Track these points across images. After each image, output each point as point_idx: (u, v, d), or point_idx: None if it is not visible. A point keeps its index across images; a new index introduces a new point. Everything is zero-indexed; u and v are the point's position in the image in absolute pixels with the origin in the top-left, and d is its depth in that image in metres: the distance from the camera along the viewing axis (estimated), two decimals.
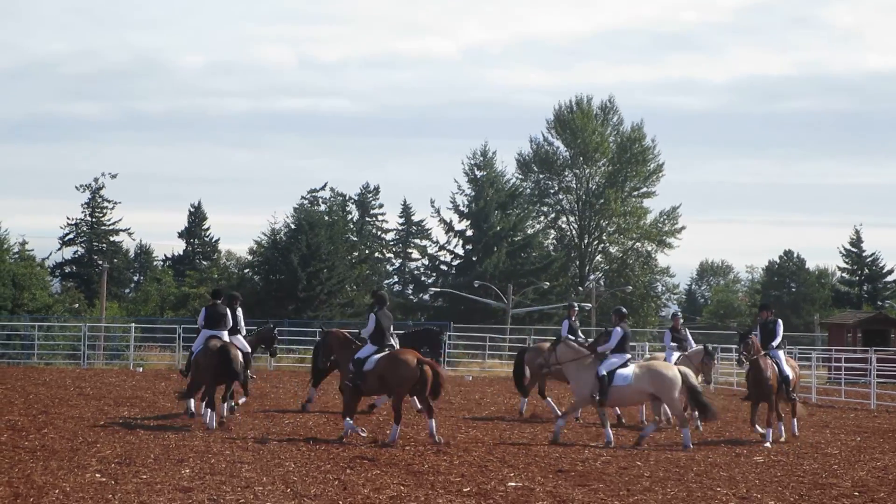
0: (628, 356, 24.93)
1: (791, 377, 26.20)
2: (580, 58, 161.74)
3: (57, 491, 16.64)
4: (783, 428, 25.85)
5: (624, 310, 25.66)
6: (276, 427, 25.82)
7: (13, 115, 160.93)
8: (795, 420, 26.45)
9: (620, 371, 24.47)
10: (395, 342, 25.71)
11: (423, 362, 23.75)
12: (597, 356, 24.79)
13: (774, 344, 25.92)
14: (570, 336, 29.16)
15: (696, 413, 26.45)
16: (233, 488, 17.26)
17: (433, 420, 23.88)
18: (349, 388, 24.26)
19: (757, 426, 25.82)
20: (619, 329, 24.69)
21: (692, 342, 30.62)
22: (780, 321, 26.29)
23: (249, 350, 28.69)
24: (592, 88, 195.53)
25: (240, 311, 28.59)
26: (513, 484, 18.53)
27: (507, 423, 28.11)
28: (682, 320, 31.06)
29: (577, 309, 32.54)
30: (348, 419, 24.12)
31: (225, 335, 26.38)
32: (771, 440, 25.21)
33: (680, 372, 24.75)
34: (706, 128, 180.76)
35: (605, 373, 24.42)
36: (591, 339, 29.98)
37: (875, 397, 38.57)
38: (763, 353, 25.82)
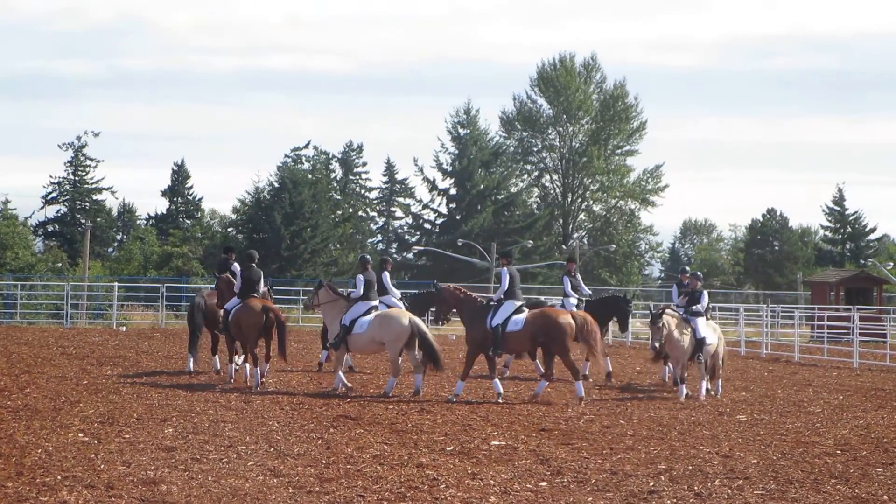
0: (372, 304, 25.38)
1: (508, 329, 24.45)
2: (565, 15, 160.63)
3: (40, 451, 16.62)
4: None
5: (367, 257, 26.25)
6: (259, 386, 25.80)
7: None
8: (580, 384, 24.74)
9: (361, 319, 25.09)
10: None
11: (269, 309, 25.94)
12: (349, 303, 25.60)
13: (494, 298, 24.85)
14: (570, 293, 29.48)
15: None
16: (216, 447, 17.25)
17: (259, 367, 25.63)
18: (225, 334, 26.96)
19: (496, 381, 25.05)
20: (361, 277, 25.39)
21: (585, 289, 30.44)
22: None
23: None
24: (577, 46, 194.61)
25: (386, 275, 29.21)
26: (496, 442, 18.55)
27: (490, 382, 28.12)
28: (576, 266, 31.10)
29: (576, 265, 31.15)
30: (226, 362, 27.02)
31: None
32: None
33: (411, 321, 24.91)
34: (691, 86, 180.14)
35: (347, 322, 25.12)
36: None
37: (857, 356, 38.67)
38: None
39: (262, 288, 26.92)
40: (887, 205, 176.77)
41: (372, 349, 26.08)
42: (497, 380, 25.08)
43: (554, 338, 24.21)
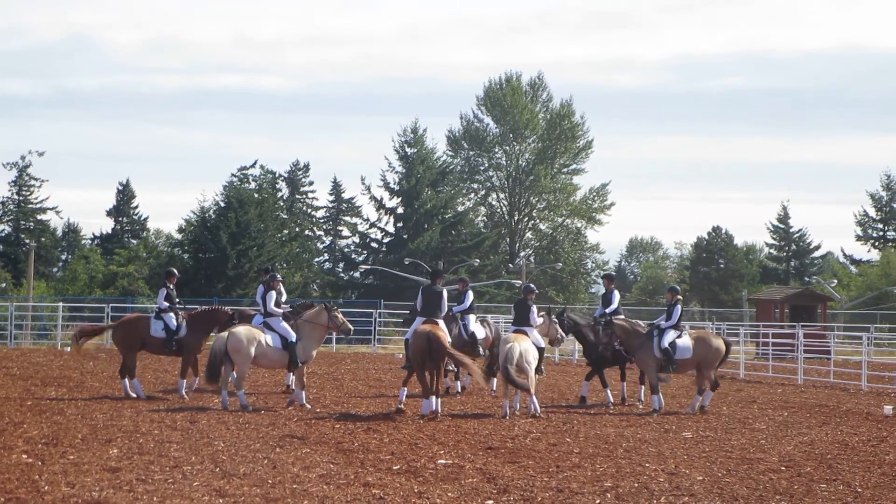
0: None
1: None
2: (512, 35, 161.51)
3: None
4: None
5: (277, 275, 28.22)
6: (206, 406, 25.70)
7: None
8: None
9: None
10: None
11: (119, 321, 28.92)
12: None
13: None
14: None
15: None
16: (161, 468, 17.15)
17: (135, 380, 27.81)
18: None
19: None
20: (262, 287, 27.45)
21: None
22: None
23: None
24: (524, 65, 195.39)
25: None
26: (443, 461, 18.53)
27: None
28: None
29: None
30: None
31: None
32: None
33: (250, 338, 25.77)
34: (637, 105, 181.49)
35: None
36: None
37: (802, 372, 38.96)
38: None
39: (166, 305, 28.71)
40: (831, 223, 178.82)
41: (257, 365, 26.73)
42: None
43: (428, 353, 24.79)
